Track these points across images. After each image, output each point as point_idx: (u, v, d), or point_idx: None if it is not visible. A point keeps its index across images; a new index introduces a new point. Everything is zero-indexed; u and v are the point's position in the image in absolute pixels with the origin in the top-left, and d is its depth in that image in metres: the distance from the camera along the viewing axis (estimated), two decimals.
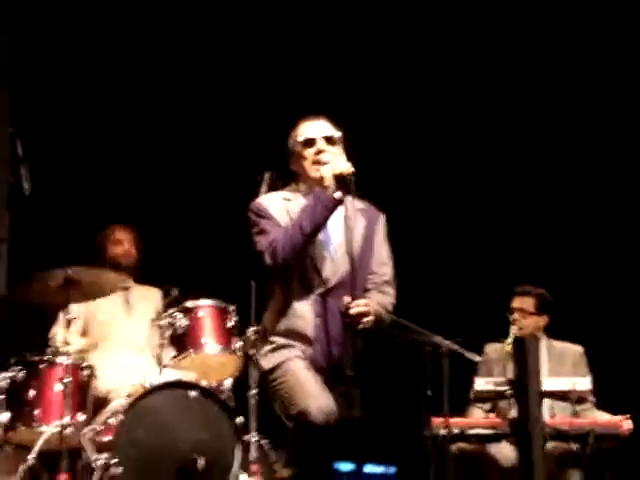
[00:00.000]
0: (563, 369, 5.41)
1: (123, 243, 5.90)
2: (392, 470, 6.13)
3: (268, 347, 4.22)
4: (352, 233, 4.17)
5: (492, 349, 5.91)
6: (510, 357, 5.77)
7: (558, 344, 5.85)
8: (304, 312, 4.14)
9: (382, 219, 4.38)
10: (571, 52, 6.89)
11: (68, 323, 5.22)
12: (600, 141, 7.00)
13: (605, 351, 6.15)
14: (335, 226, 4.22)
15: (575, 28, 6.84)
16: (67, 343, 5.23)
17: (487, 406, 5.70)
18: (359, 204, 4.29)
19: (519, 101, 6.99)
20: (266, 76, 6.81)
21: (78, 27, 6.45)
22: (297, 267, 4.15)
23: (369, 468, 5.92)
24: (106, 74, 6.62)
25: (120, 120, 6.75)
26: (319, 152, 4.23)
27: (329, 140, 4.27)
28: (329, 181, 4.15)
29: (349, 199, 4.20)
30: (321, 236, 4.19)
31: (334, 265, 4.19)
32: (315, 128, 4.30)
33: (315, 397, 4.01)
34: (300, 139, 4.28)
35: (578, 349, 5.88)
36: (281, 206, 4.24)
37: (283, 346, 4.17)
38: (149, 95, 6.74)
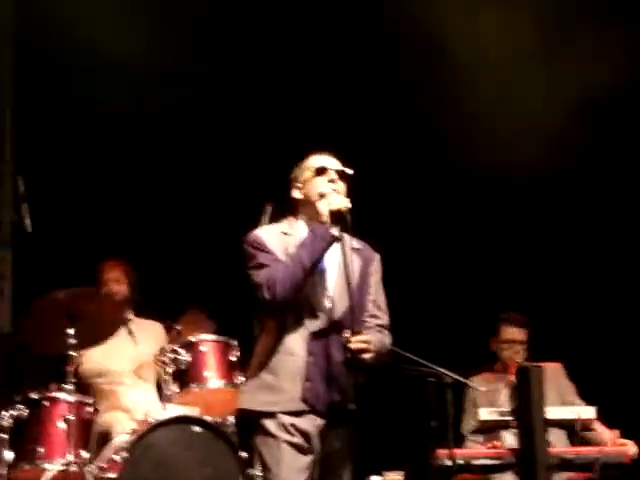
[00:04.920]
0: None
1: (108, 284, 5.90)
2: None
3: (254, 383, 4.17)
4: (351, 270, 4.14)
5: (478, 380, 5.92)
6: (502, 387, 5.82)
7: None
8: (296, 349, 4.09)
9: (377, 260, 4.34)
10: None
11: (72, 359, 5.25)
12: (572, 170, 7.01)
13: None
14: (331, 263, 4.20)
15: None
16: (71, 380, 5.24)
17: (481, 439, 5.70)
18: (354, 243, 4.27)
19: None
20: (261, 109, 6.83)
21: (79, 68, 6.48)
22: (292, 304, 4.12)
23: None
24: (104, 111, 6.65)
25: (120, 154, 6.77)
26: (331, 181, 4.23)
27: (341, 175, 4.26)
28: (325, 216, 4.14)
29: (345, 237, 4.19)
30: (316, 273, 4.17)
31: (330, 303, 4.15)
32: (329, 160, 4.29)
33: None
34: (315, 165, 4.25)
35: (556, 366, 5.89)
36: (279, 240, 4.20)
37: (270, 387, 4.11)
38: (148, 129, 6.76)
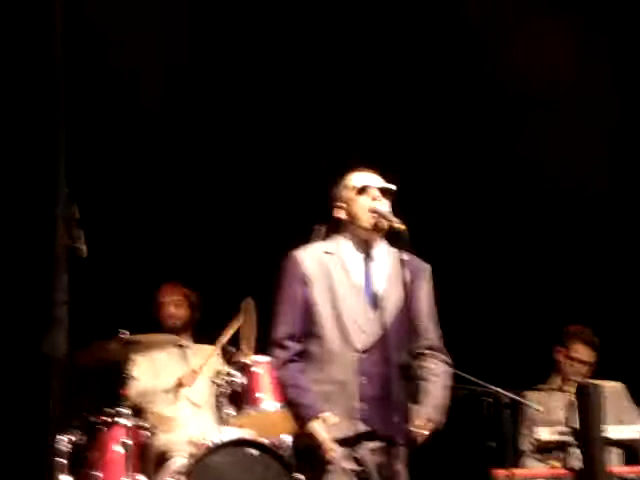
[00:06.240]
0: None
1: (168, 306, 5.93)
2: None
3: None
4: (399, 289, 4.12)
5: (534, 398, 5.83)
6: (559, 405, 5.74)
7: None
8: (348, 371, 4.07)
9: (428, 271, 4.28)
10: None
11: (126, 382, 5.28)
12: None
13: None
14: (379, 278, 4.17)
15: None
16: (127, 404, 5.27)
17: (539, 457, 5.63)
18: (404, 255, 4.23)
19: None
20: (311, 126, 6.84)
21: (134, 91, 6.54)
22: (336, 323, 4.11)
23: None
24: (158, 136, 6.69)
25: (174, 179, 6.80)
26: (374, 199, 4.22)
27: (384, 192, 4.26)
28: (370, 230, 4.17)
29: (392, 249, 4.21)
30: (363, 289, 4.17)
31: (376, 320, 4.12)
32: (371, 178, 4.29)
33: None
34: (356, 185, 4.26)
35: (617, 386, 5.78)
36: (319, 260, 4.21)
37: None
38: (202, 154, 6.79)
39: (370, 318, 4.13)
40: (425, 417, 4.04)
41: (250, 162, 6.83)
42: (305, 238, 4.46)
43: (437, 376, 4.16)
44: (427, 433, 4.05)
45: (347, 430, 4.04)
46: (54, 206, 5.67)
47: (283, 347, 4.13)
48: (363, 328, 4.11)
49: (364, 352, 4.09)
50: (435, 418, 4.11)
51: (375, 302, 4.15)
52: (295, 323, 4.13)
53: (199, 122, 6.73)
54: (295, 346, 4.13)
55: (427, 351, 4.18)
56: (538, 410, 5.67)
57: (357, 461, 4.06)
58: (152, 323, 5.89)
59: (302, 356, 4.14)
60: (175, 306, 5.93)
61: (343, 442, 4.03)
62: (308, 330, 4.13)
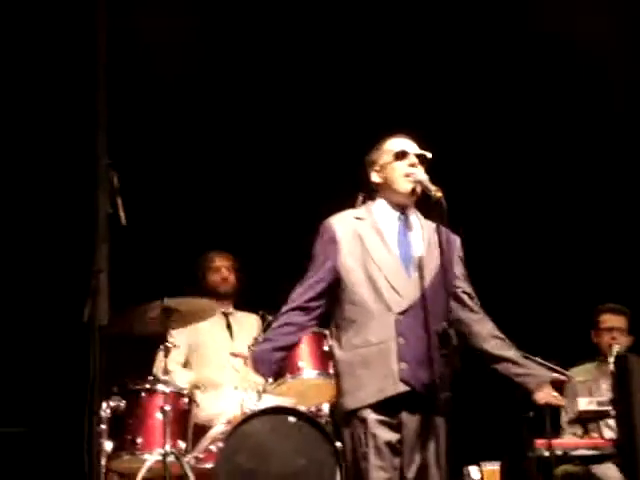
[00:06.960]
0: None
1: (221, 270, 5.98)
2: None
3: (349, 381, 4.12)
4: (444, 254, 4.11)
5: (578, 370, 5.83)
6: (601, 377, 5.71)
7: None
8: (386, 333, 4.05)
9: (459, 243, 4.30)
10: None
11: (167, 351, 5.29)
12: None
13: None
14: (416, 243, 4.16)
15: None
16: (166, 371, 5.28)
17: (580, 430, 5.62)
18: (433, 224, 4.22)
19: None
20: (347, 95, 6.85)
21: (175, 59, 6.56)
22: (370, 286, 4.10)
23: None
24: (198, 103, 6.71)
25: (216, 147, 6.82)
26: (412, 165, 4.21)
27: (421, 159, 4.25)
28: (408, 194, 4.17)
29: (424, 220, 4.20)
30: (398, 251, 4.16)
31: (412, 283, 4.11)
32: (408, 144, 4.29)
33: None
34: (394, 149, 4.25)
35: None
36: (347, 227, 4.20)
37: (362, 381, 4.07)
38: (241, 121, 6.81)
39: (406, 280, 4.11)
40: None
41: (288, 132, 6.84)
42: (342, 207, 4.47)
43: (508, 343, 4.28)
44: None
45: (388, 391, 4.02)
46: (95, 175, 5.70)
47: (293, 306, 4.19)
48: (399, 290, 4.09)
49: (401, 314, 4.07)
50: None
51: (410, 266, 4.14)
52: (316, 288, 4.16)
53: (238, 90, 6.73)
54: (307, 308, 4.18)
55: (478, 307, 4.21)
56: (577, 380, 5.68)
57: (396, 428, 4.04)
58: (192, 291, 5.91)
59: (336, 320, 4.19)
60: (228, 271, 5.98)
61: (384, 406, 4.02)
62: (340, 297, 4.14)
